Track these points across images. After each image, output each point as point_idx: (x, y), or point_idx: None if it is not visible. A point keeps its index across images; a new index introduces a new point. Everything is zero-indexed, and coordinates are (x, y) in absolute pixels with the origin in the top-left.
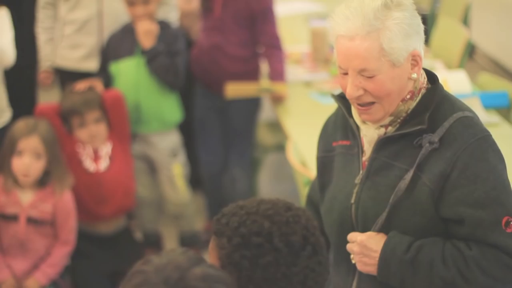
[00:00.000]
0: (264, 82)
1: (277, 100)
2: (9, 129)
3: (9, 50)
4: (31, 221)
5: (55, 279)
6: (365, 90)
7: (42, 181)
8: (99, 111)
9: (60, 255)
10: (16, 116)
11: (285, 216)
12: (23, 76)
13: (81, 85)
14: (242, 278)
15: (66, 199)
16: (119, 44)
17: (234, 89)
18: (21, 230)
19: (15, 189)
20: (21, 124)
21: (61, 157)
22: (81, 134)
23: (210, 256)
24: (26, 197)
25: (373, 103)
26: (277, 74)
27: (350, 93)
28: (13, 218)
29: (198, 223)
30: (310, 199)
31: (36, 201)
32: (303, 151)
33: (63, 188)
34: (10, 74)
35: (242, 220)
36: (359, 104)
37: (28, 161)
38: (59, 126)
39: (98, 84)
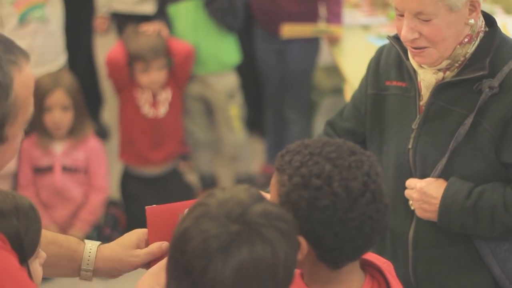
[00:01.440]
0: (321, 24)
1: (333, 41)
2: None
3: None
4: (65, 169)
5: (94, 223)
6: (420, 34)
7: (72, 130)
8: (164, 58)
9: (97, 202)
10: (73, 61)
11: (348, 160)
12: (80, 22)
13: (148, 28)
14: (299, 217)
15: (96, 145)
16: None
17: (290, 29)
18: (57, 178)
19: (48, 142)
20: (44, 81)
21: (82, 104)
22: (143, 79)
23: (271, 190)
24: (59, 147)
25: (427, 47)
26: (334, 16)
27: (404, 35)
28: (49, 169)
29: (255, 165)
30: (333, 122)
31: (68, 149)
32: None
33: (87, 133)
34: (68, 20)
35: (304, 160)
36: (412, 47)
37: (58, 115)
38: (125, 73)
39: (163, 29)
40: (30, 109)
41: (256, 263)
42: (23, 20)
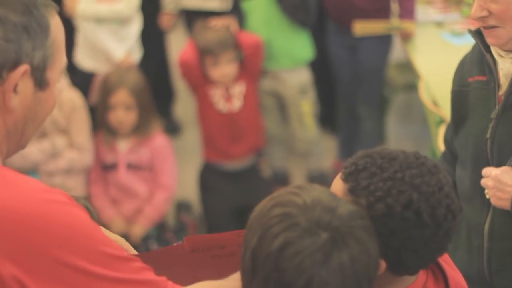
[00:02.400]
0: (393, 20)
1: (406, 38)
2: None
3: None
4: (130, 166)
5: (158, 221)
6: (490, 12)
7: (137, 128)
8: (233, 51)
9: (161, 200)
10: (146, 58)
11: (431, 185)
12: (151, 19)
13: (216, 22)
14: (381, 243)
15: (162, 143)
16: None
17: (363, 27)
18: (121, 175)
19: (114, 139)
20: (110, 78)
21: (149, 102)
22: (213, 72)
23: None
24: (124, 145)
25: (497, 26)
26: (407, 12)
27: (474, 13)
28: (114, 166)
29: (326, 162)
30: (445, 139)
31: (133, 147)
32: (434, 90)
33: (152, 131)
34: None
35: (386, 188)
36: (483, 27)
37: (121, 114)
38: (197, 72)
39: (232, 23)
40: (64, 57)
41: (355, 264)
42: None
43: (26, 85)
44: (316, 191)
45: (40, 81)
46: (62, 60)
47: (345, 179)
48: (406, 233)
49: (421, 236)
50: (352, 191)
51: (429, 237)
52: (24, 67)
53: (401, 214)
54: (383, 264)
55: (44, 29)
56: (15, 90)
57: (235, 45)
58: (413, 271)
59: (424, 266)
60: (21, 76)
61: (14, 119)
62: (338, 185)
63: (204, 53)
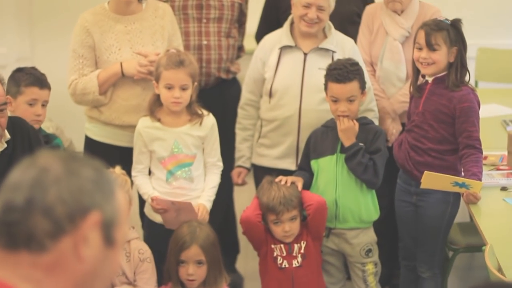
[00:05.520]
0: (461, 178)
1: (471, 200)
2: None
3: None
4: None
5: None
6: None
7: (205, 282)
8: (297, 210)
9: None
10: (212, 211)
11: None
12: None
13: (282, 180)
14: None
15: None
16: (320, 141)
17: (430, 178)
18: None
19: None
20: (183, 233)
21: (218, 258)
22: (275, 229)
23: None
24: None
25: None
26: (473, 174)
27: None
28: None
29: None
30: None
31: None
32: (498, 256)
33: (221, 285)
34: None
35: None
36: None
37: (192, 270)
38: (259, 229)
39: (299, 181)
40: (126, 232)
41: None
42: (170, 177)
43: (95, 238)
44: None
45: (108, 237)
46: (126, 228)
47: None
48: None
49: None
50: None
51: None
52: (95, 214)
53: None
54: None
55: (112, 189)
56: (85, 241)
57: (299, 204)
58: None
59: None
60: (93, 224)
61: (83, 271)
62: None
63: (267, 210)
